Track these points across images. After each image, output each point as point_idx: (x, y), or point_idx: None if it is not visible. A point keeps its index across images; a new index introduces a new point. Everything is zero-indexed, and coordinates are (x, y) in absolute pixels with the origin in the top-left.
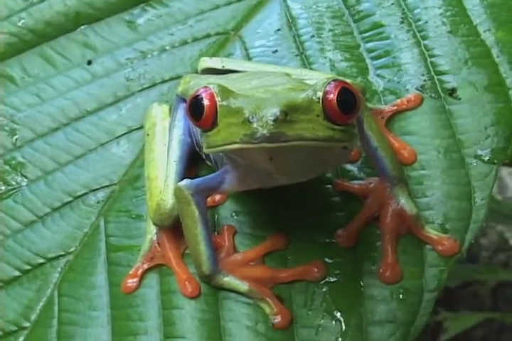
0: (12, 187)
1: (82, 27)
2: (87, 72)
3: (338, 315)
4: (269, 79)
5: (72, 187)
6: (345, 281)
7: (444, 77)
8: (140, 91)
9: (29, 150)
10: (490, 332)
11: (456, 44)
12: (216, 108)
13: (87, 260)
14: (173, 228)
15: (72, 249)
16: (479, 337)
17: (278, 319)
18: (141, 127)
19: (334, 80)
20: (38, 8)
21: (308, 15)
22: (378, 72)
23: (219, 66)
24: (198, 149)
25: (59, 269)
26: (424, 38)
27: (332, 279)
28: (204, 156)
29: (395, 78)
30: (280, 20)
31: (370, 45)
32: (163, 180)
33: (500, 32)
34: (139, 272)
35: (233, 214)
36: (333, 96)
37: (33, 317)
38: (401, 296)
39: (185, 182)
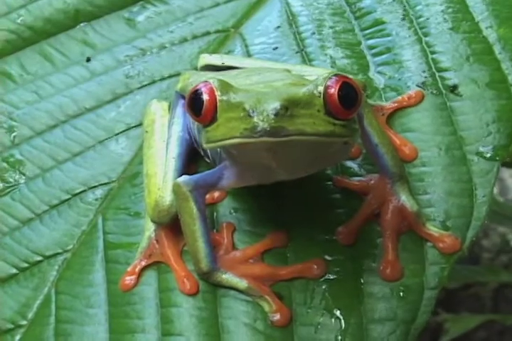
0: (10, 185)
1: (82, 24)
2: (85, 70)
3: (338, 313)
4: (270, 75)
5: (70, 185)
6: (345, 279)
7: (446, 74)
8: (139, 88)
9: (27, 148)
10: (491, 333)
11: (458, 41)
12: (216, 102)
13: (84, 258)
14: (172, 225)
15: (69, 247)
16: (480, 338)
17: (277, 317)
18: (140, 124)
19: (335, 75)
20: (37, 5)
21: (309, 12)
22: (379, 69)
23: (219, 63)
24: (196, 145)
25: (56, 267)
26: (425, 34)
27: (332, 277)
28: (202, 152)
29: (396, 75)
30: (280, 18)
31: (371, 42)
32: (162, 177)
33: (503, 29)
34: (137, 269)
35: (232, 211)
36: (334, 90)
37: (30, 315)
38: (401, 294)
39: (184, 178)
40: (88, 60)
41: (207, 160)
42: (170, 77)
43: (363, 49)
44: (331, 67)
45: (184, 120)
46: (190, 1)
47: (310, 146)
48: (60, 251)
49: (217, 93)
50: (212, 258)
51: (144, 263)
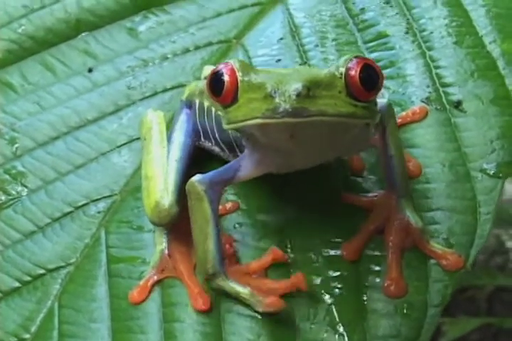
0: (12, 197)
1: (83, 34)
2: (87, 80)
3: (342, 329)
4: (285, 70)
5: (73, 197)
6: (349, 295)
7: (450, 89)
8: (141, 99)
9: (29, 160)
10: (486, 336)
11: (462, 55)
12: (237, 83)
13: (87, 271)
14: (184, 238)
15: (72, 260)
16: None
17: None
18: None
19: (356, 57)
20: (38, 14)
21: (312, 24)
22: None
23: None
24: (203, 141)
25: (59, 280)
26: (429, 48)
27: (336, 292)
28: (213, 143)
29: (400, 89)
30: (283, 29)
31: (374, 55)
32: (163, 179)
33: (506, 44)
34: (149, 284)
35: (237, 225)
36: (355, 72)
37: (33, 328)
38: (405, 311)
39: (198, 177)
40: (90, 70)
41: (218, 152)
42: (172, 88)
43: None
44: None
45: (188, 126)
46: (192, 11)
47: (331, 128)
48: (63, 264)
49: (239, 73)
50: (220, 260)
51: (156, 278)
